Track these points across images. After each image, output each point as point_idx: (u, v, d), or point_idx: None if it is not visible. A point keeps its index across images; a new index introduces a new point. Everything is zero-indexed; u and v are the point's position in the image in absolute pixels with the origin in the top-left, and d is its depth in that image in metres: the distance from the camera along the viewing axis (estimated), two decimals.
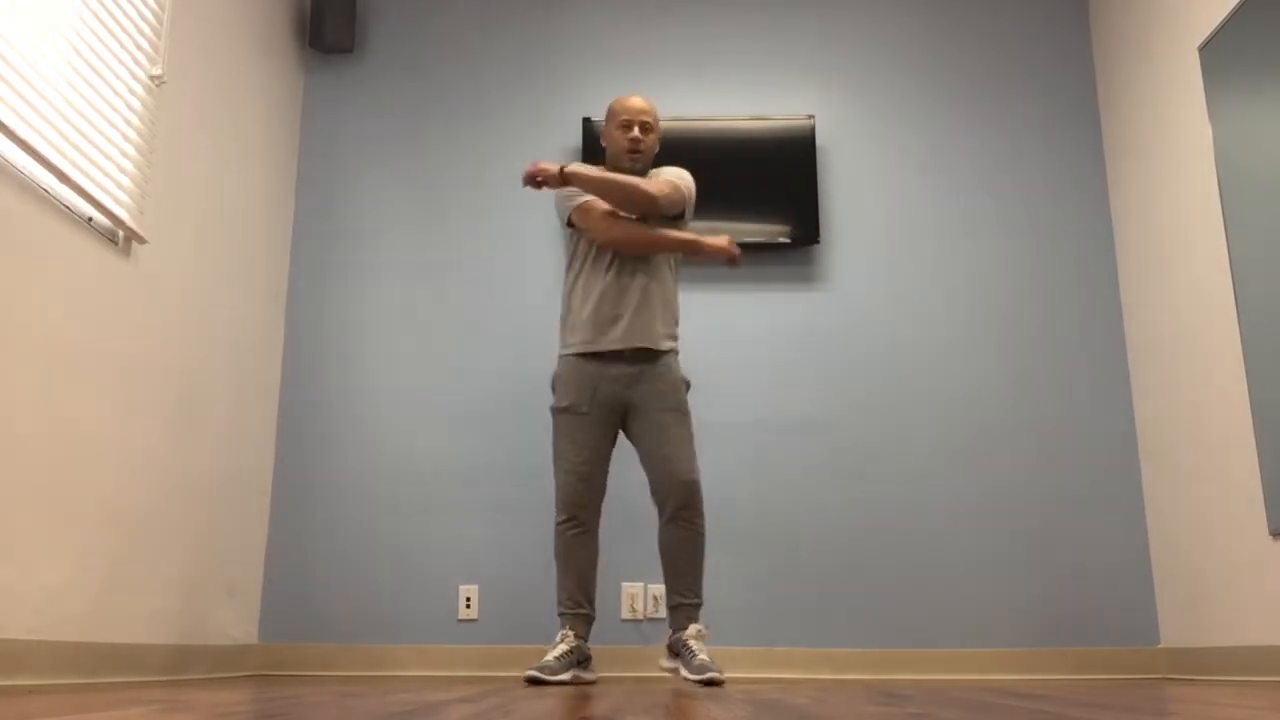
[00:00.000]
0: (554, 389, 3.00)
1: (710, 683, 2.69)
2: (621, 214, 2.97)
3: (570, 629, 2.88)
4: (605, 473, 2.96)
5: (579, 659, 2.86)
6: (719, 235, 2.98)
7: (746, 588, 3.58)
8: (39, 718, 1.36)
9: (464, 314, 3.85)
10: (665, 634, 2.97)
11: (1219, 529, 3.23)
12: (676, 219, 3.03)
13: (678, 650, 2.87)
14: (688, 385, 3.01)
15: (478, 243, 3.92)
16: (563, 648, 2.84)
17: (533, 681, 2.71)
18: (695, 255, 2.99)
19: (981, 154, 3.99)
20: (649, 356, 2.95)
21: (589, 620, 2.92)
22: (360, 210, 3.95)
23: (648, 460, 2.94)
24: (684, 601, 2.89)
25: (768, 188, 3.84)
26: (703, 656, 2.79)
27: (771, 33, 4.11)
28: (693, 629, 2.86)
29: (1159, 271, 3.59)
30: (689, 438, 2.93)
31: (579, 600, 2.90)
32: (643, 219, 2.98)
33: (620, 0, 4.15)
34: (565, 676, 2.79)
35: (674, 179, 3.00)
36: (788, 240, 3.80)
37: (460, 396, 3.78)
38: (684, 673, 2.80)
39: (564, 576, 2.91)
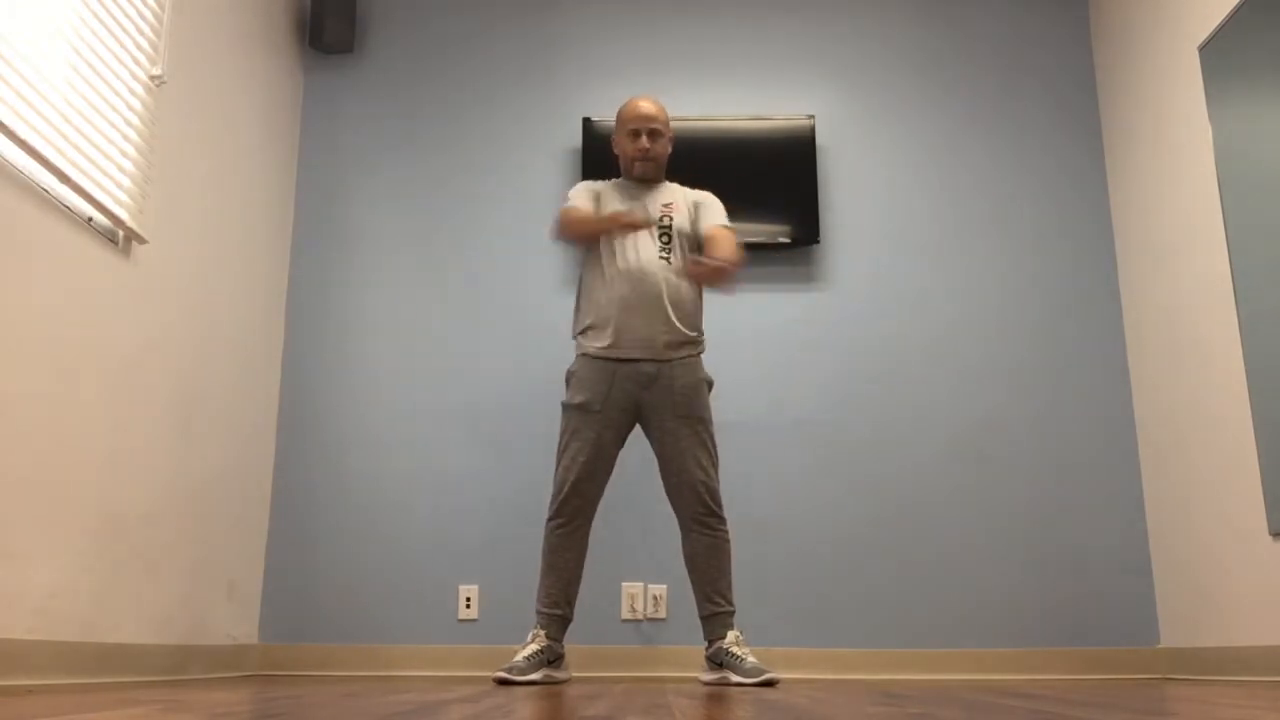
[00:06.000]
0: (568, 383, 2.99)
1: (768, 683, 2.68)
2: (568, 216, 2.95)
3: (543, 629, 2.86)
4: (608, 475, 2.95)
5: (550, 658, 2.84)
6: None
7: (745, 587, 3.58)
8: (39, 718, 1.36)
9: (464, 314, 3.85)
10: (703, 648, 2.91)
11: (1219, 529, 3.23)
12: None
13: (720, 660, 2.83)
14: (710, 385, 2.99)
15: (478, 242, 3.92)
16: (533, 647, 2.82)
17: (501, 683, 2.69)
18: (623, 232, 2.93)
19: (981, 154, 3.99)
20: (667, 357, 2.94)
21: (565, 622, 2.90)
22: (360, 210, 3.96)
23: (662, 469, 2.93)
24: (717, 610, 2.87)
25: (768, 188, 3.84)
26: (752, 659, 2.77)
27: (771, 33, 4.11)
28: (731, 635, 2.84)
29: (1159, 271, 3.59)
30: (704, 443, 2.91)
31: (558, 601, 2.88)
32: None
33: (620, 0, 4.15)
34: (535, 676, 2.77)
35: (733, 233, 3.02)
36: (788, 240, 3.80)
37: (461, 396, 3.78)
38: (735, 679, 2.76)
39: (547, 576, 2.89)
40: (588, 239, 2.97)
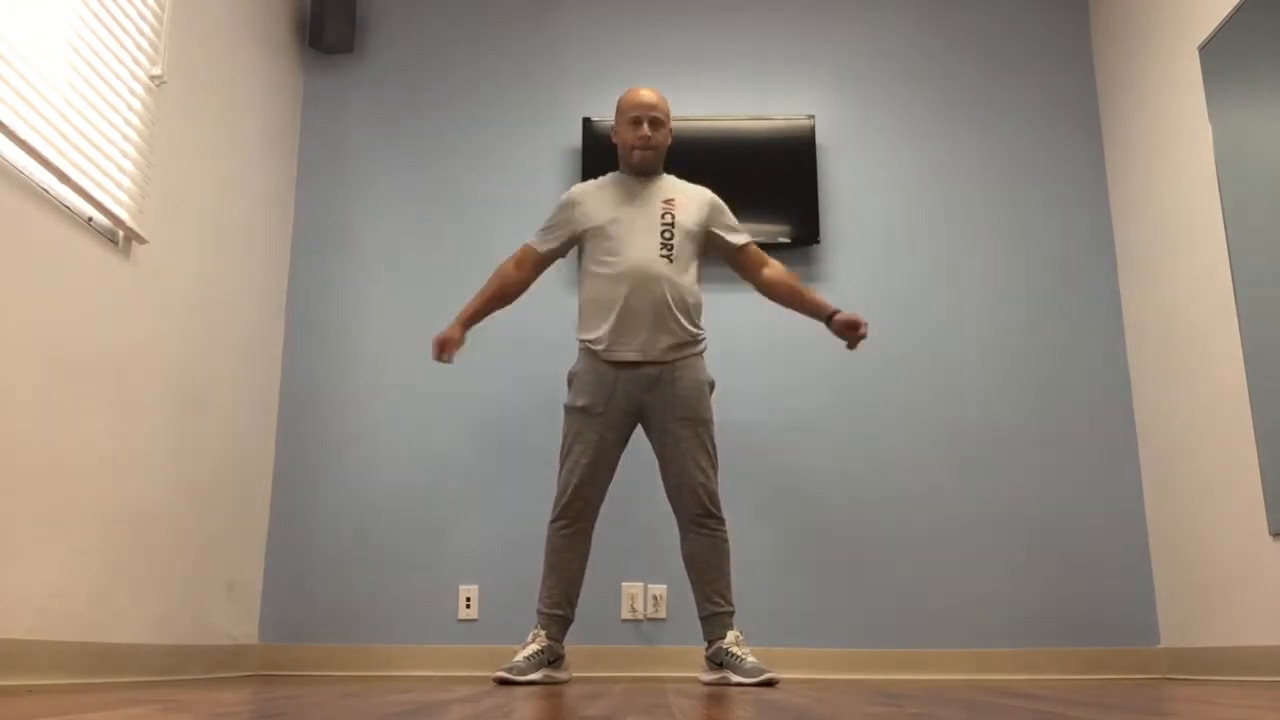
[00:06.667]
0: (570, 384, 2.99)
1: (768, 683, 2.68)
2: (497, 272, 3.12)
3: (543, 629, 2.86)
4: (610, 476, 2.95)
5: (550, 659, 2.84)
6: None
7: (745, 587, 3.58)
8: (39, 718, 1.36)
9: None
10: (703, 648, 2.92)
11: (1219, 529, 3.23)
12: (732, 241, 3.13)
13: (720, 660, 2.83)
14: (712, 386, 2.99)
15: (478, 242, 3.92)
16: (533, 647, 2.82)
17: (501, 682, 2.69)
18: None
19: (981, 153, 3.98)
20: (669, 359, 2.94)
21: (566, 622, 2.90)
22: (360, 210, 3.96)
23: (662, 470, 2.93)
24: (717, 610, 2.87)
25: (768, 188, 3.84)
26: (752, 659, 2.77)
27: (771, 33, 4.11)
28: (731, 636, 2.84)
29: (1159, 271, 3.59)
30: (704, 446, 2.91)
31: (559, 601, 2.88)
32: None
33: (620, 0, 4.15)
34: (535, 676, 2.77)
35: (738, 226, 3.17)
36: (788, 240, 3.80)
37: (461, 395, 3.78)
38: (735, 679, 2.76)
39: (549, 576, 2.89)
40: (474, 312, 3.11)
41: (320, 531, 3.67)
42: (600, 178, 3.15)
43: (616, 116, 3.10)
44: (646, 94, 3.05)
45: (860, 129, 4.02)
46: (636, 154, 3.03)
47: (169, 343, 3.01)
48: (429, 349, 3.82)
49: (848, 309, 3.84)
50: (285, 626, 3.59)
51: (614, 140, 3.12)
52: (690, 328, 2.96)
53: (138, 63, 2.85)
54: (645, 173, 3.07)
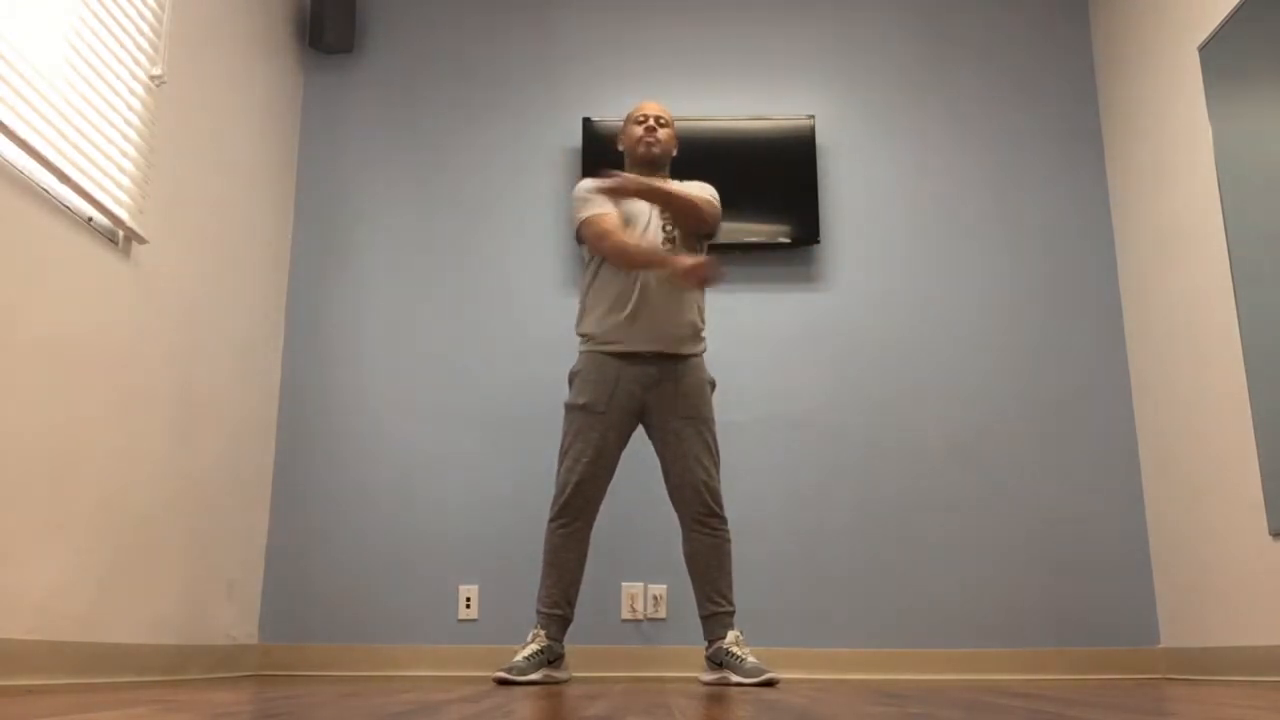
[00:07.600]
0: (571, 383, 2.99)
1: (768, 683, 2.68)
2: (611, 235, 2.93)
3: (543, 629, 2.87)
4: (610, 476, 2.95)
5: (550, 658, 2.85)
6: (695, 256, 2.87)
7: (745, 587, 3.58)
8: (39, 718, 1.36)
9: (464, 313, 3.85)
10: (703, 648, 2.91)
11: (1219, 529, 3.23)
12: (707, 237, 3.09)
13: (720, 660, 2.83)
14: (713, 385, 3.00)
15: (478, 241, 3.92)
16: (533, 647, 2.82)
17: (501, 683, 2.70)
18: (667, 278, 2.90)
19: (981, 153, 3.98)
20: (672, 357, 2.95)
21: (565, 622, 2.90)
22: (360, 210, 3.96)
23: (664, 469, 2.94)
24: (718, 610, 2.87)
25: (768, 188, 3.84)
26: (752, 659, 2.78)
27: (771, 33, 4.11)
28: (731, 636, 2.85)
29: (1159, 271, 3.60)
30: (707, 445, 2.92)
31: (558, 601, 2.89)
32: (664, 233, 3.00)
33: (620, 1, 4.15)
34: (535, 676, 2.78)
35: (713, 200, 3.05)
36: (788, 240, 3.80)
37: (461, 395, 3.78)
38: (735, 679, 2.77)
39: (548, 575, 2.90)
40: (629, 268, 2.93)
41: (320, 531, 3.67)
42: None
43: (624, 125, 3.18)
44: (653, 104, 3.17)
45: (860, 129, 4.02)
46: (642, 147, 3.09)
47: (169, 342, 3.01)
48: (429, 348, 3.82)
49: (848, 309, 3.85)
50: (285, 626, 3.59)
51: (621, 148, 3.17)
52: (691, 328, 2.97)
53: (138, 63, 2.85)
54: (650, 169, 3.09)
